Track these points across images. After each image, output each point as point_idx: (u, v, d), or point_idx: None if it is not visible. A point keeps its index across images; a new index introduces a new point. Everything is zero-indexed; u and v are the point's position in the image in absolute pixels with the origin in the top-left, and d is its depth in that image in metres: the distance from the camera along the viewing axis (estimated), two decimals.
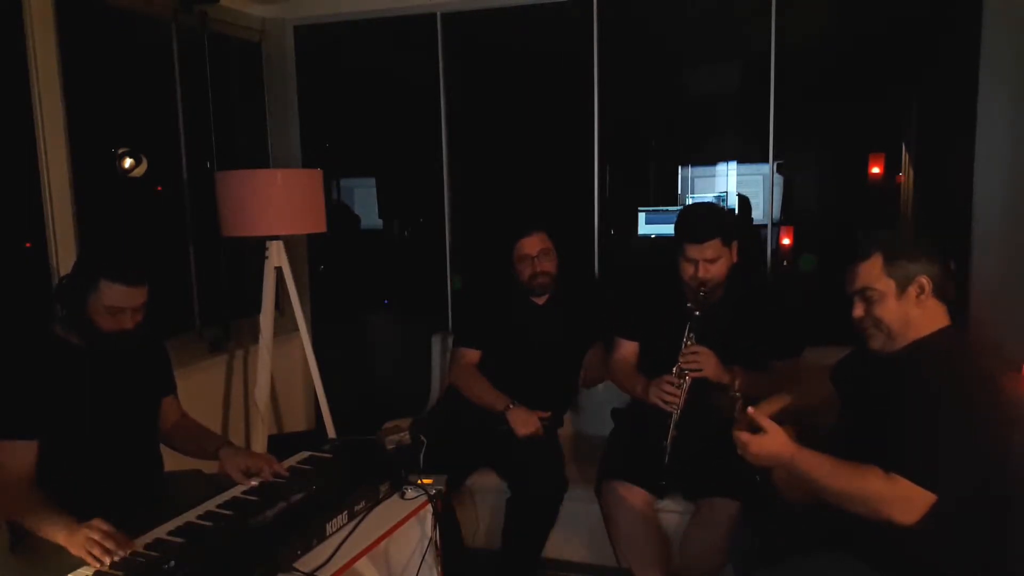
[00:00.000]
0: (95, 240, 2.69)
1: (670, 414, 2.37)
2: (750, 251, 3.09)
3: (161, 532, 1.76)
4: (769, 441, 1.71)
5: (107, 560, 1.65)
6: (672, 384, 2.37)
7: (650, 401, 2.43)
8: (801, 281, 3.45)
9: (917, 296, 1.72)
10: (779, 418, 1.80)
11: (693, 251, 2.40)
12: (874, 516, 1.63)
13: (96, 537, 1.67)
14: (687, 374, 2.35)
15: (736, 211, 3.54)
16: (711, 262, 2.39)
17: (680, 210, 2.59)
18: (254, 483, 2.03)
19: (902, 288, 1.72)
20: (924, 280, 1.71)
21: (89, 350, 2.04)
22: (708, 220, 2.45)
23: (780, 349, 2.49)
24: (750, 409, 1.74)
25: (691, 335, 2.39)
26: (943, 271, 1.74)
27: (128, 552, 1.67)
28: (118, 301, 1.96)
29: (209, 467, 2.35)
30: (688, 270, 2.42)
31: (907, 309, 1.73)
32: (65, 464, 1.98)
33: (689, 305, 2.40)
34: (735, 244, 2.48)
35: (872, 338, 1.78)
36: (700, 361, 2.35)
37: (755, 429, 1.75)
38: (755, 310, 2.52)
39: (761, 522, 2.17)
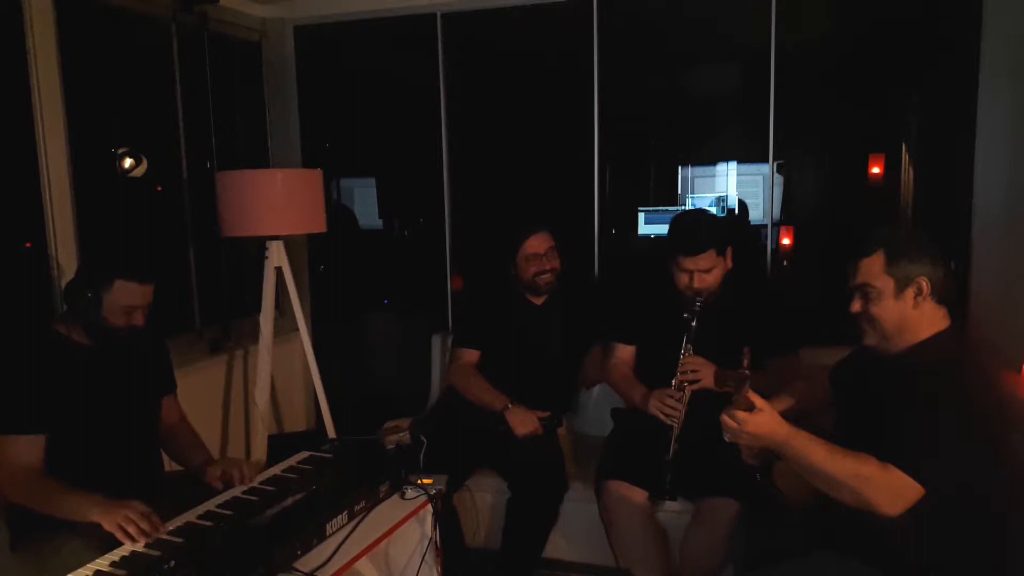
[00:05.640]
0: (103, 240, 2.71)
1: (671, 428, 2.35)
2: (747, 255, 3.08)
3: (161, 531, 1.76)
4: (765, 418, 1.68)
5: (141, 541, 1.71)
6: (673, 398, 2.36)
7: (649, 412, 2.43)
8: (801, 281, 3.45)
9: (915, 297, 1.72)
10: (782, 417, 1.79)
11: (687, 263, 2.39)
12: (860, 504, 1.62)
13: (133, 516, 1.73)
14: (687, 386, 2.34)
15: (736, 212, 3.54)
16: (706, 272, 2.39)
17: (671, 219, 2.57)
18: (237, 492, 2.01)
19: (900, 288, 1.72)
20: (923, 282, 1.71)
21: (91, 347, 2.06)
22: (701, 231, 2.43)
23: (777, 347, 2.49)
24: (747, 388, 1.73)
25: (688, 346, 2.38)
26: (945, 274, 1.73)
27: (157, 535, 1.73)
28: (132, 300, 2.01)
29: None
30: (682, 280, 2.41)
31: (904, 310, 1.73)
32: (66, 462, 1.98)
33: (686, 315, 2.39)
34: (730, 251, 2.47)
35: (867, 334, 1.79)
36: (699, 372, 2.35)
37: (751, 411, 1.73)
38: (751, 310, 2.51)
39: (761, 522, 2.17)
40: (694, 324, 2.37)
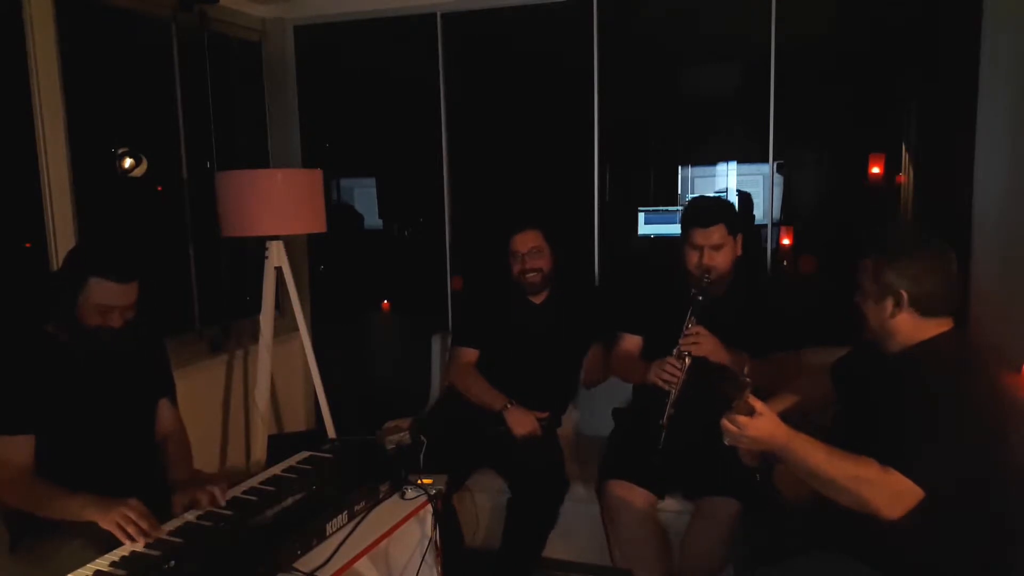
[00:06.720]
0: (86, 236, 2.67)
1: (668, 393, 2.35)
2: (752, 247, 3.10)
3: (161, 532, 1.76)
4: (765, 422, 1.69)
5: (140, 540, 1.69)
6: (672, 364, 2.36)
7: (650, 381, 2.42)
8: (801, 281, 3.45)
9: (893, 307, 1.73)
10: (783, 416, 1.79)
11: (699, 236, 2.42)
12: (860, 506, 1.62)
13: (132, 515, 1.72)
14: (686, 355, 2.35)
15: (737, 208, 3.55)
16: (716, 249, 2.42)
17: (687, 202, 2.61)
18: (237, 492, 1.99)
19: (881, 296, 1.74)
20: (903, 295, 1.71)
21: (81, 348, 2.02)
22: (714, 207, 2.49)
23: (781, 341, 2.50)
24: (747, 393, 1.72)
25: (692, 318, 2.39)
26: (935, 289, 1.72)
27: (156, 535, 1.72)
28: (108, 299, 1.94)
29: (209, 467, 2.33)
30: (693, 258, 2.44)
31: (882, 316, 1.75)
32: (60, 463, 1.97)
33: (693, 291, 2.41)
34: (740, 237, 2.49)
35: (864, 327, 1.83)
36: (700, 341, 2.36)
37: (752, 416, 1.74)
38: (758, 306, 2.53)
39: (761, 522, 2.17)
40: (700, 298, 2.39)
